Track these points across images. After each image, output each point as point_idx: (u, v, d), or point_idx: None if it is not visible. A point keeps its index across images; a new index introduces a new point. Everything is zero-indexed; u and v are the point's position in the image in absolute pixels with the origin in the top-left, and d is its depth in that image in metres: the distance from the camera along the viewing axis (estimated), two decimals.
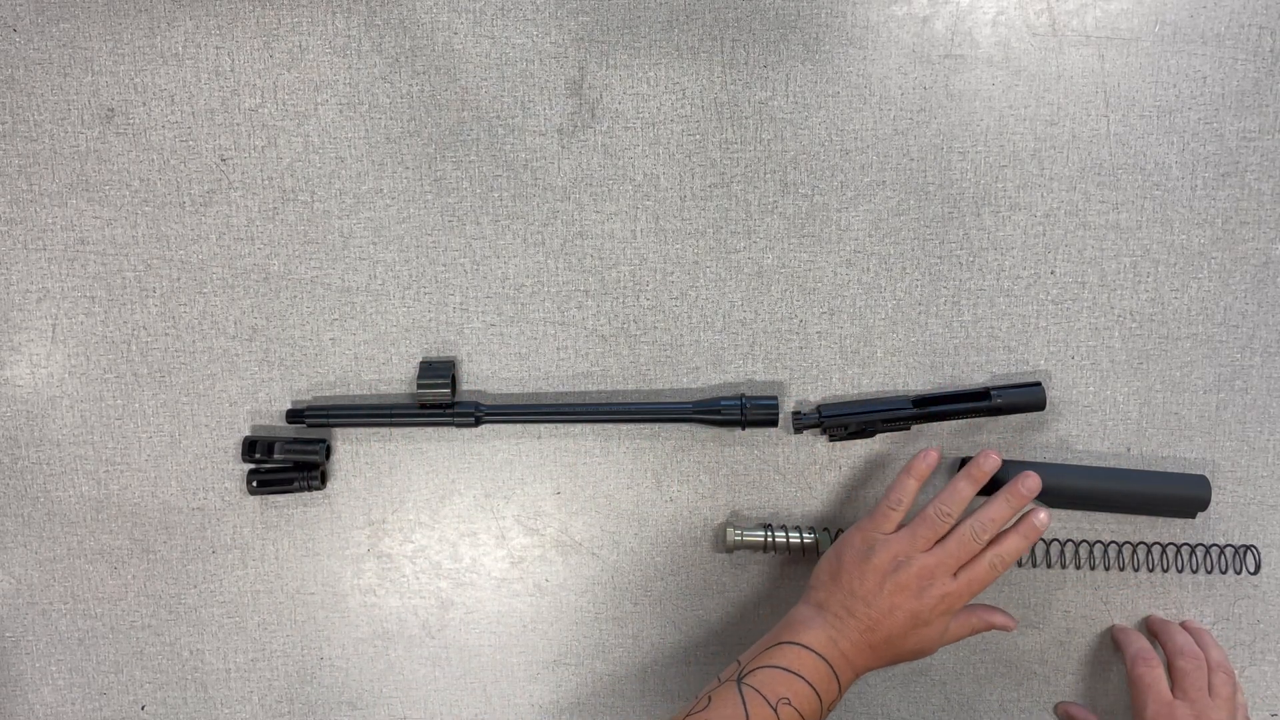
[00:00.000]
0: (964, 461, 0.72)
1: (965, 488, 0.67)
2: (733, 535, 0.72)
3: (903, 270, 0.73)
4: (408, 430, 0.73)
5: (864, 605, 0.63)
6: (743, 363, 0.73)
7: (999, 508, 0.65)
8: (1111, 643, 0.74)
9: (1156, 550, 0.74)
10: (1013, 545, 0.65)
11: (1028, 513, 0.66)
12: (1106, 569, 0.74)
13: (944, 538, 0.65)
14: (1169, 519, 0.74)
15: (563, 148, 0.72)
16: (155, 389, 0.73)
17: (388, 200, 0.72)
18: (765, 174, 0.72)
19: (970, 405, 0.71)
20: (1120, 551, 0.74)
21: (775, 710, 0.58)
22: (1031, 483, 0.66)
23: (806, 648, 0.61)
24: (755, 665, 0.61)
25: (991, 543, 0.65)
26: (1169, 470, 0.73)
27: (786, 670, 0.60)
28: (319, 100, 0.72)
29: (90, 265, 0.72)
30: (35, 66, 0.71)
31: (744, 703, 0.58)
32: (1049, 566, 0.74)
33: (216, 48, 0.71)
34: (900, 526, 0.66)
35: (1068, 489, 0.72)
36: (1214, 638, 0.72)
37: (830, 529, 0.73)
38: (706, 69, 0.72)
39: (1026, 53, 0.72)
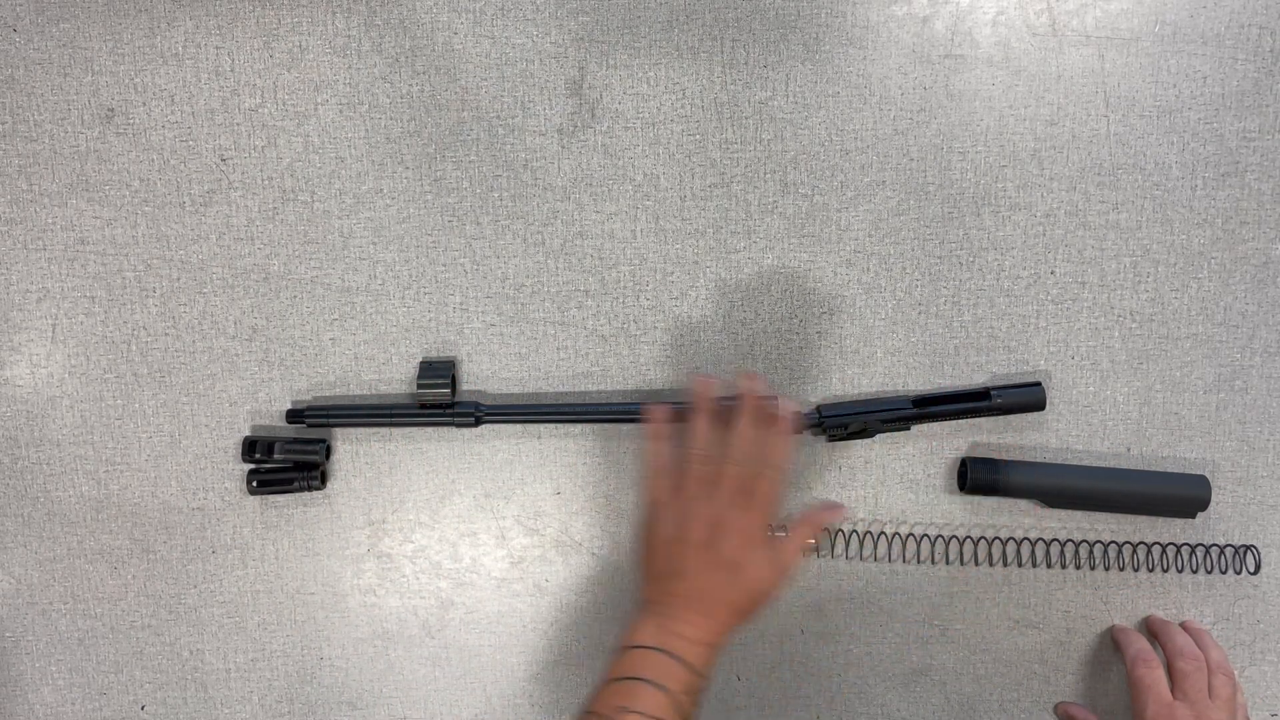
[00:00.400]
0: (962, 466, 0.72)
1: (702, 423, 0.63)
2: None
3: (903, 270, 0.73)
4: (408, 430, 0.73)
5: (675, 580, 0.59)
6: (743, 363, 0.73)
7: (745, 424, 0.62)
8: (1111, 643, 0.74)
9: (1156, 550, 0.74)
10: (777, 444, 0.61)
11: (774, 407, 0.62)
12: (1106, 569, 0.74)
13: (713, 479, 0.61)
14: (1169, 519, 0.74)
15: (563, 148, 0.72)
16: (155, 389, 0.73)
17: (388, 200, 0.72)
18: (765, 174, 0.72)
19: (970, 405, 0.71)
20: (1120, 551, 0.74)
21: None
22: (787, 405, 0.61)
23: (635, 647, 0.58)
24: (593, 694, 0.58)
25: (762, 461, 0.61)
26: (1169, 470, 0.73)
27: (618, 680, 0.57)
28: (319, 100, 0.72)
29: (90, 265, 0.72)
30: (35, 66, 0.71)
31: None
32: (1049, 566, 0.74)
33: (216, 48, 0.71)
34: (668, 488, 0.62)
35: (1068, 489, 0.72)
36: (1214, 638, 0.72)
37: (830, 529, 0.74)
38: (706, 69, 0.72)
39: (1026, 53, 0.72)
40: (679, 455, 0.62)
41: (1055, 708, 0.75)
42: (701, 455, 0.62)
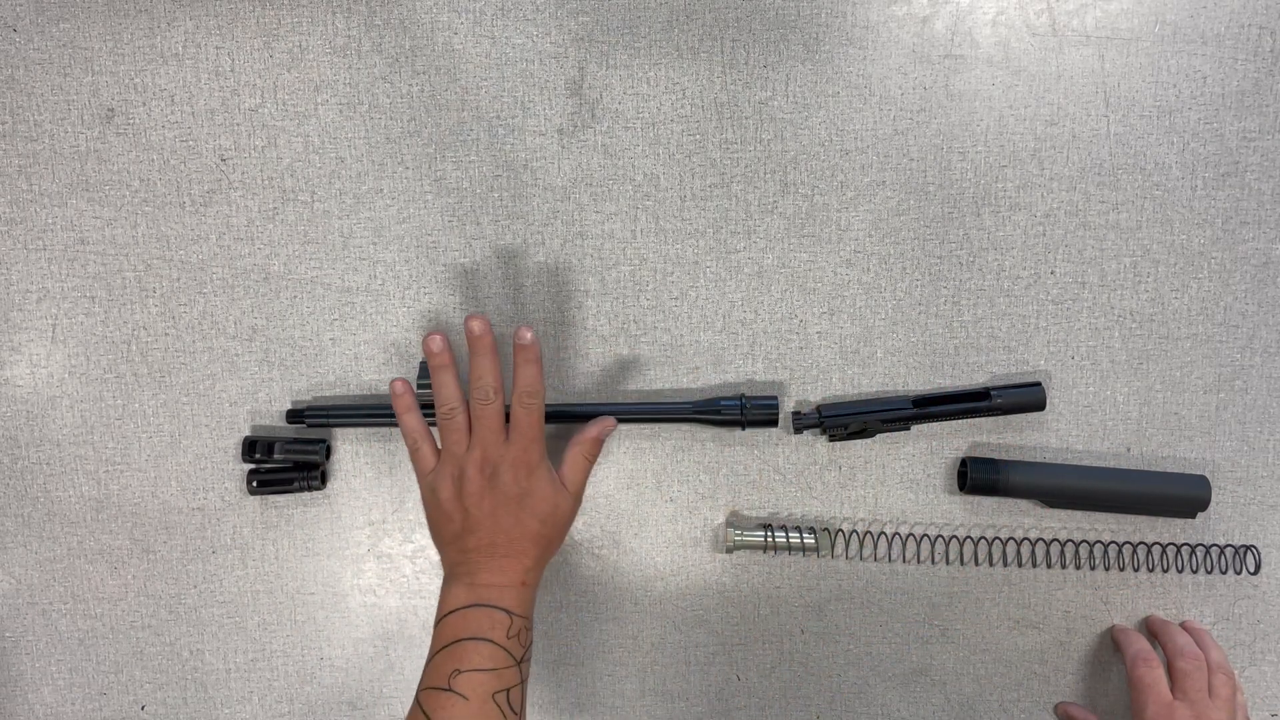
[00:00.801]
0: (962, 466, 0.72)
1: (444, 378, 0.63)
2: (733, 535, 0.72)
3: (903, 270, 0.73)
4: None
5: (468, 536, 0.60)
6: (743, 363, 0.74)
7: (482, 362, 0.62)
8: (1111, 643, 0.74)
9: (1156, 550, 0.74)
10: (524, 375, 0.61)
11: (518, 338, 0.62)
12: (1106, 569, 0.74)
13: (469, 427, 0.62)
14: (1169, 519, 0.74)
15: (563, 148, 0.72)
16: (155, 389, 0.73)
17: (388, 200, 0.72)
18: (765, 174, 0.72)
19: (970, 405, 0.71)
20: (1120, 551, 0.74)
21: (450, 688, 0.55)
22: (524, 333, 0.62)
23: (450, 613, 0.58)
24: (424, 671, 0.59)
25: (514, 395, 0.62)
26: (1169, 470, 0.73)
27: (444, 648, 0.57)
28: (319, 100, 0.72)
29: (90, 265, 0.72)
30: (35, 66, 0.71)
31: (420, 707, 0.57)
32: (1049, 566, 0.74)
33: (216, 48, 0.71)
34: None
35: (1068, 489, 0.72)
36: (1214, 638, 0.72)
37: (830, 529, 0.74)
38: (706, 69, 0.72)
39: (1026, 53, 0.72)
40: (435, 424, 0.62)
41: (1055, 708, 0.75)
42: (448, 409, 0.62)
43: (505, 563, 0.60)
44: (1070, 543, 0.74)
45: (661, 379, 0.74)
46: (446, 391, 0.63)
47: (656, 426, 0.74)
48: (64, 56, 0.71)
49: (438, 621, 0.60)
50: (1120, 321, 0.73)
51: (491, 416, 0.61)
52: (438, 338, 0.63)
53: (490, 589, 0.59)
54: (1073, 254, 0.73)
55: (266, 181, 0.72)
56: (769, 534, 0.72)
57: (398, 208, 0.73)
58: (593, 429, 0.66)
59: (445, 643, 0.58)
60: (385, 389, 0.73)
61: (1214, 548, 0.74)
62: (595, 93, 0.72)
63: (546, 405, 0.72)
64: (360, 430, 0.73)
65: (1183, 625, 0.74)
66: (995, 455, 0.73)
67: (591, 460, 0.66)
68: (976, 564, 0.74)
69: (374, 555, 0.75)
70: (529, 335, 0.62)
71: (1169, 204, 0.73)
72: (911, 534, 0.74)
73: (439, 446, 0.65)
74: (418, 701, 0.58)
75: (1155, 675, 0.68)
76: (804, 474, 0.74)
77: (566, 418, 0.72)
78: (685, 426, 0.74)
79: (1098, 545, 0.74)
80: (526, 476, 0.61)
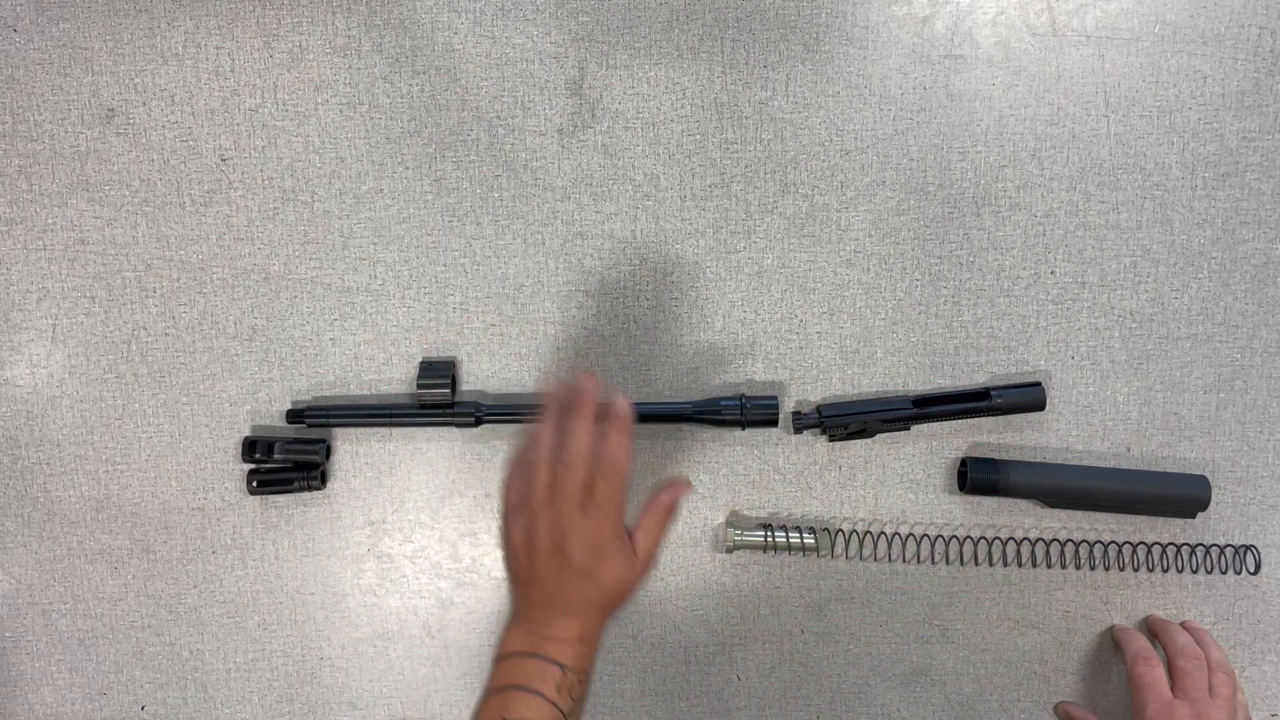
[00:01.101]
0: (962, 466, 0.72)
1: (546, 427, 0.60)
2: (733, 535, 0.72)
3: (903, 270, 0.73)
4: (408, 430, 0.73)
5: (533, 586, 0.58)
6: (743, 363, 0.73)
7: (579, 425, 0.59)
8: (1111, 643, 0.74)
9: (1156, 550, 0.74)
10: (612, 443, 0.58)
11: (610, 405, 0.60)
12: (1106, 569, 0.74)
13: (554, 484, 0.58)
14: (1169, 519, 0.74)
15: (563, 148, 0.72)
16: (155, 389, 0.73)
17: (388, 200, 0.72)
18: (765, 174, 0.72)
19: (970, 405, 0.71)
20: (1120, 551, 0.74)
21: None
22: (621, 403, 0.59)
23: (508, 656, 0.58)
24: (476, 708, 0.58)
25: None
26: (1169, 470, 0.73)
27: (497, 690, 0.57)
28: (319, 100, 0.72)
29: (90, 265, 0.72)
30: (35, 66, 0.71)
31: None
32: (1049, 566, 0.74)
33: (216, 48, 0.71)
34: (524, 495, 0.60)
35: (1068, 489, 0.72)
36: (1214, 638, 0.72)
37: (830, 529, 0.74)
38: (706, 69, 0.72)
39: (1026, 53, 0.72)
40: (525, 460, 0.60)
41: (1055, 708, 0.75)
42: (544, 460, 0.59)
43: (567, 621, 0.58)
44: (1070, 543, 0.74)
45: (661, 379, 0.74)
46: (546, 443, 0.60)
47: (656, 426, 0.74)
48: (64, 56, 0.71)
49: (497, 659, 0.59)
50: (1120, 321, 0.73)
51: (573, 485, 0.58)
52: (554, 383, 0.61)
53: (549, 643, 0.58)
54: (1073, 254, 0.73)
55: (266, 181, 0.72)
56: (769, 534, 0.72)
57: (398, 208, 0.73)
58: (665, 495, 0.62)
59: (497, 685, 0.58)
60: (385, 389, 0.73)
61: (1214, 548, 0.74)
62: (595, 93, 0.72)
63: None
64: (360, 430, 0.73)
65: (1183, 625, 0.74)
66: (995, 455, 0.73)
67: (667, 526, 0.63)
68: (976, 564, 0.74)
69: (374, 555, 0.75)
70: (624, 404, 0.59)
71: (1169, 204, 0.73)
72: (911, 534, 0.74)
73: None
74: None
75: (1155, 674, 0.68)
76: (804, 474, 0.74)
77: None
78: (685, 426, 0.74)
79: (1098, 545, 0.74)
80: (597, 554, 0.58)
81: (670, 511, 0.62)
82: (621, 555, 0.59)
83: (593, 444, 0.59)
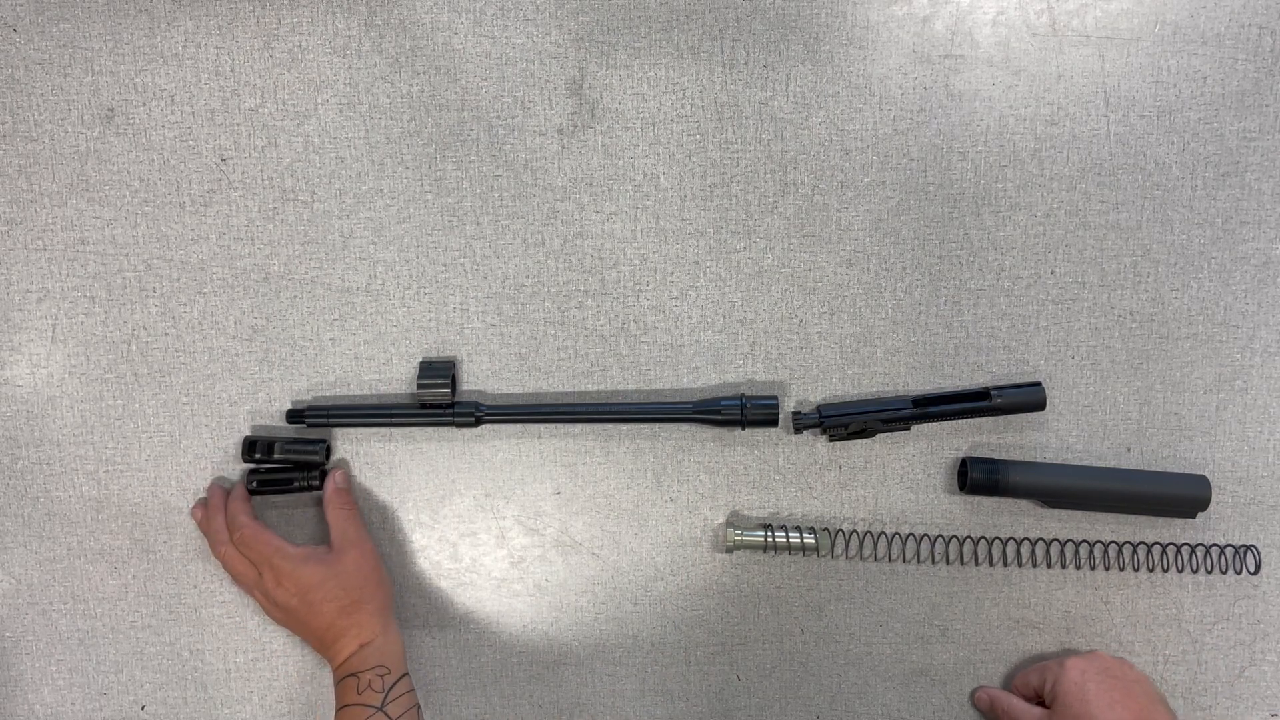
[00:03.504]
0: (962, 466, 0.72)
1: (205, 526, 0.71)
2: (733, 535, 0.72)
3: (903, 270, 0.73)
4: (408, 430, 0.73)
5: (300, 634, 0.70)
6: (743, 363, 0.74)
7: (216, 520, 0.70)
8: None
9: (1156, 550, 0.74)
10: (230, 510, 0.70)
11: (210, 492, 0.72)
12: (1106, 569, 0.74)
13: (225, 562, 0.70)
14: (1169, 519, 0.74)
15: (563, 148, 0.72)
16: (155, 389, 0.73)
17: (388, 200, 0.72)
18: (765, 174, 0.72)
19: (970, 405, 0.71)
20: (1120, 551, 0.74)
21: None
22: (214, 487, 0.73)
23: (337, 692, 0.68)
24: None
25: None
26: (1169, 470, 0.73)
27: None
28: (319, 100, 0.72)
29: (90, 265, 0.72)
30: (35, 66, 0.71)
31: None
32: (1049, 566, 0.74)
33: (216, 48, 0.71)
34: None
35: (1068, 489, 0.72)
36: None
37: (830, 529, 0.74)
38: (706, 69, 0.72)
39: (1026, 53, 0.72)
40: (217, 557, 0.71)
41: (972, 695, 0.75)
42: (220, 553, 0.70)
43: (337, 647, 0.66)
44: (1070, 543, 0.74)
45: (661, 379, 0.74)
46: (216, 526, 0.70)
47: (656, 426, 0.74)
48: (64, 56, 0.71)
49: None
50: (1120, 321, 0.73)
51: (237, 558, 0.69)
52: (209, 495, 0.73)
53: (341, 667, 0.66)
54: (1073, 254, 0.73)
55: (266, 181, 0.72)
56: (769, 534, 0.72)
57: (398, 208, 0.73)
58: (328, 485, 0.72)
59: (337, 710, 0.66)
60: (385, 389, 0.73)
61: (1214, 548, 0.74)
62: (595, 93, 0.72)
63: (544, 403, 0.72)
64: (360, 430, 0.73)
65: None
66: (995, 455, 0.73)
67: (348, 508, 0.71)
68: (976, 564, 0.74)
69: None
70: (217, 487, 0.73)
71: (1169, 204, 0.73)
72: (911, 534, 0.74)
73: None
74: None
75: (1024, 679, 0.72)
76: (804, 474, 0.74)
77: (566, 417, 0.72)
78: (685, 426, 0.74)
79: (1098, 545, 0.74)
80: (290, 584, 0.67)
81: (339, 496, 0.71)
82: (315, 567, 0.67)
83: (215, 522, 0.70)
